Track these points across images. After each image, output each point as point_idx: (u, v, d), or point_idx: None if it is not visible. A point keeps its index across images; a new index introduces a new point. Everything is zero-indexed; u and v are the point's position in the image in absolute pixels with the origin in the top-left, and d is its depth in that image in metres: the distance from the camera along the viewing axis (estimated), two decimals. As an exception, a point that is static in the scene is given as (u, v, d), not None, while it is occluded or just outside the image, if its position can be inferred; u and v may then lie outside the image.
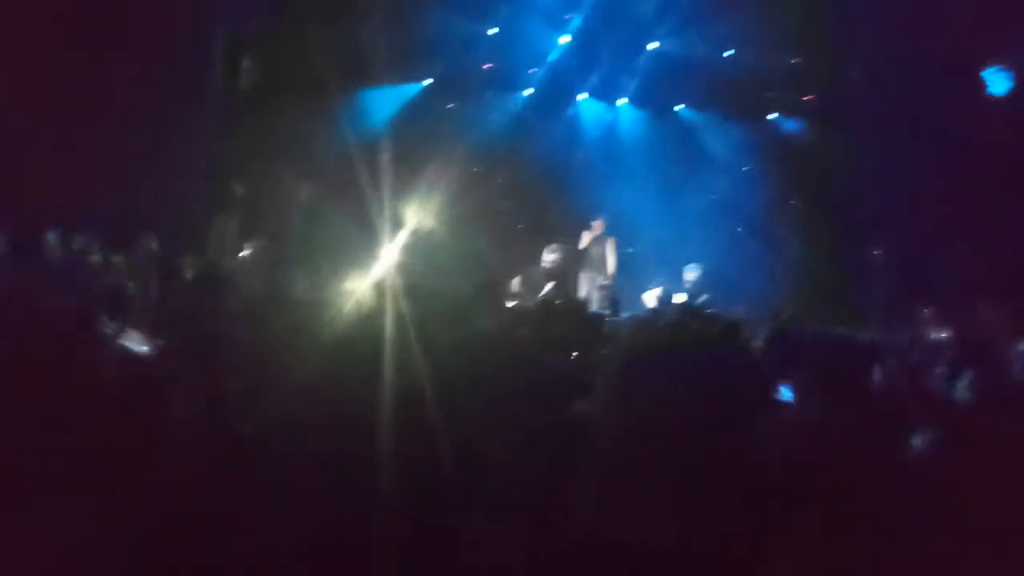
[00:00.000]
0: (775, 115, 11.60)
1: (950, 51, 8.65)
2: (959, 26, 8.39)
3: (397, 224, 11.30)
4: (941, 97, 8.81)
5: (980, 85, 8.95)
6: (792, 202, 11.41)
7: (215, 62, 9.24)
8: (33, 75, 7.03)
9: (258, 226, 8.09)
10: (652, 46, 11.01)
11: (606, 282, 10.15)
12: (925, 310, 6.89)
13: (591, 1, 10.45)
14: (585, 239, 10.29)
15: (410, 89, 11.30)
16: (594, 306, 8.70)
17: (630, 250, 11.33)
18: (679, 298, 8.59)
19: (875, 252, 9.96)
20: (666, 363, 2.45)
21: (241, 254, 7.00)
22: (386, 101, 11.16)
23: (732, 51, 10.76)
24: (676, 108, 11.82)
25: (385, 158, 11.35)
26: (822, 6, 9.77)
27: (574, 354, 3.89)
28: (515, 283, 9.79)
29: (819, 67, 10.68)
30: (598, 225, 10.32)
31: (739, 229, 11.33)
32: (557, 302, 8.30)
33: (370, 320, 3.63)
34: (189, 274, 4.19)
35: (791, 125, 11.56)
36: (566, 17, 10.74)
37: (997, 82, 8.85)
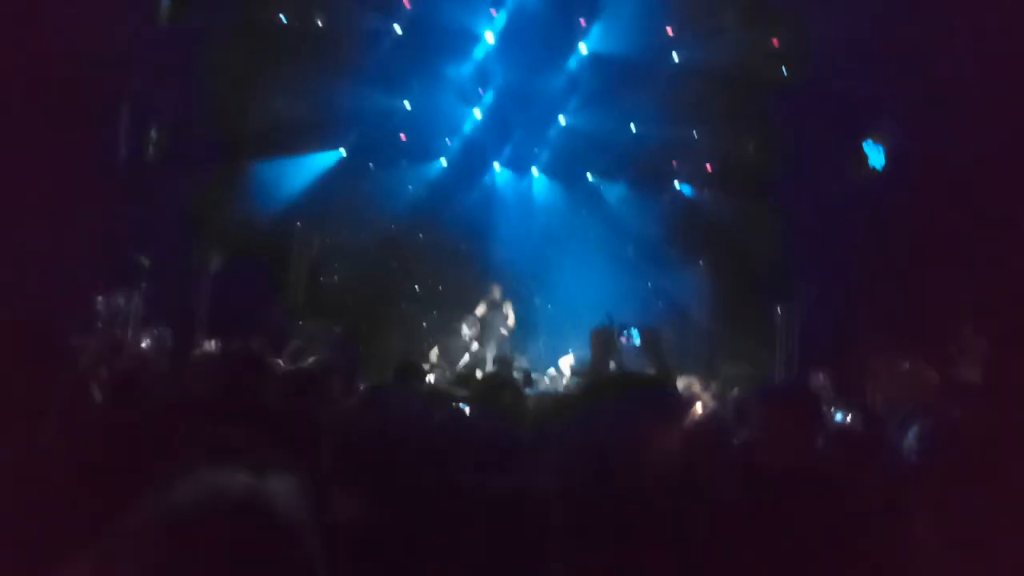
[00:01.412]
0: (678, 182, 12.14)
1: (835, 123, 9.24)
2: (844, 99, 8.98)
3: (314, 294, 11.23)
4: (828, 163, 9.42)
5: (861, 156, 9.53)
6: (697, 262, 11.92)
7: (125, 133, 9.08)
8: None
9: (162, 303, 7.90)
10: (561, 119, 11.44)
11: (510, 349, 10.32)
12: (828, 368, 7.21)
13: (501, 77, 10.79)
14: (483, 306, 10.48)
15: (325, 158, 11.38)
16: (507, 374, 8.80)
17: (549, 306, 11.61)
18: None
19: (778, 311, 10.40)
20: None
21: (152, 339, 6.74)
22: (301, 170, 11.18)
23: (637, 124, 11.25)
24: (586, 176, 12.29)
25: (298, 227, 11.31)
26: (718, 82, 10.30)
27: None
28: (433, 353, 9.81)
29: (718, 137, 11.24)
30: (496, 291, 10.54)
31: (648, 285, 11.74)
32: (477, 372, 8.39)
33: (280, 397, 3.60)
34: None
35: (693, 191, 12.10)
36: (479, 91, 11.05)
37: (874, 153, 9.46)
